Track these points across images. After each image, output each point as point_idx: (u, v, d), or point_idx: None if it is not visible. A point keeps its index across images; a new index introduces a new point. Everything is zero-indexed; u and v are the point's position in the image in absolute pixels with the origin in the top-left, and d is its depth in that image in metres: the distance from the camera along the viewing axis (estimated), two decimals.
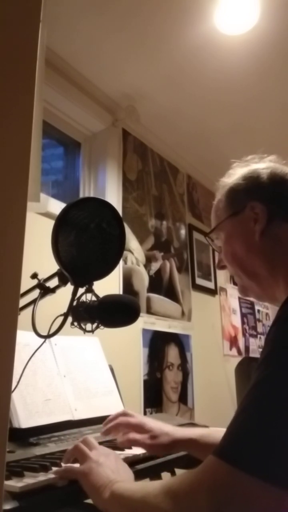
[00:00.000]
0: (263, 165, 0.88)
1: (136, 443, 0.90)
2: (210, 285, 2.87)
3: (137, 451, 0.93)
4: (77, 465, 0.78)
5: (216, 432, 0.88)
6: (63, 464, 0.80)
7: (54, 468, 0.77)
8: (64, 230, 0.80)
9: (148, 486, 0.64)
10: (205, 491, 0.55)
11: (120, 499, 0.66)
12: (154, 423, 0.94)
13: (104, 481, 0.70)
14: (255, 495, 0.53)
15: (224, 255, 0.90)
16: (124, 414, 0.97)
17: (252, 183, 0.86)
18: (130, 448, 0.94)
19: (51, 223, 0.80)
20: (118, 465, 0.78)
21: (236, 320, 3.14)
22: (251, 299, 1.05)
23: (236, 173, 0.90)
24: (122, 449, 0.93)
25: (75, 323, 0.85)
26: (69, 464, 0.79)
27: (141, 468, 0.88)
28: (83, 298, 0.85)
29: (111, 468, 0.75)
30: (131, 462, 0.86)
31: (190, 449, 0.92)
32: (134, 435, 0.91)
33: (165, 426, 0.94)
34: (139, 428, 0.93)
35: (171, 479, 0.63)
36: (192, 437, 0.91)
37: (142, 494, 0.63)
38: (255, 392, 0.59)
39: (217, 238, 0.93)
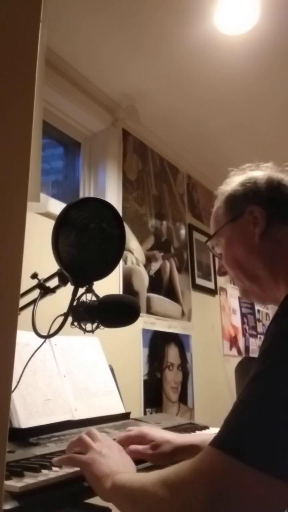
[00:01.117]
0: (259, 172, 0.91)
1: (138, 454, 0.89)
2: (210, 285, 2.87)
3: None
4: (81, 455, 0.78)
5: None
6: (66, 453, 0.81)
7: (55, 469, 0.77)
8: (64, 230, 0.81)
9: (147, 475, 0.65)
10: (201, 480, 0.56)
11: (120, 489, 0.67)
12: (155, 432, 0.93)
13: (106, 471, 0.71)
14: (252, 485, 0.53)
15: (225, 260, 0.92)
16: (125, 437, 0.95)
17: (250, 188, 0.88)
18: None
19: (51, 223, 0.80)
20: (121, 456, 0.79)
21: (236, 320, 3.14)
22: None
23: (233, 181, 0.93)
24: None
25: (75, 323, 0.85)
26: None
27: (143, 468, 0.88)
28: (83, 298, 0.85)
29: (114, 459, 0.76)
30: (134, 461, 0.86)
31: (192, 455, 0.91)
32: (135, 446, 0.90)
33: (166, 434, 0.93)
34: (141, 439, 0.92)
35: (169, 468, 0.63)
36: (194, 443, 0.91)
37: (141, 483, 0.64)
38: (253, 384, 0.59)
39: (217, 245, 0.95)
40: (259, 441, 0.54)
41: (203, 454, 0.59)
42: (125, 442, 0.92)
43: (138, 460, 0.89)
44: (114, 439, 0.93)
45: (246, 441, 0.55)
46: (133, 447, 0.90)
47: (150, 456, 0.89)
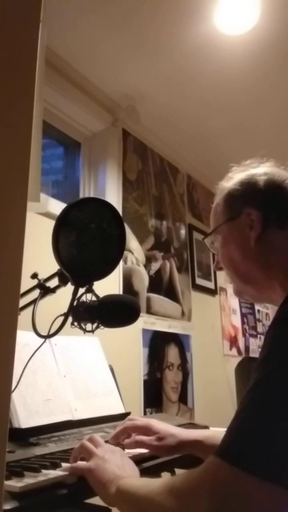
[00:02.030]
0: (261, 170, 0.89)
1: (143, 444, 0.91)
2: (210, 285, 2.87)
3: (143, 450, 0.93)
4: (84, 462, 0.79)
5: (221, 434, 0.89)
6: (70, 463, 0.81)
7: (53, 470, 0.77)
8: (64, 230, 0.81)
9: (153, 483, 0.66)
10: (206, 490, 0.56)
11: (125, 495, 0.67)
12: (160, 425, 0.95)
13: (110, 477, 0.72)
14: (255, 494, 0.53)
15: (221, 258, 0.92)
16: (130, 419, 0.99)
17: (248, 189, 0.87)
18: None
19: (51, 223, 0.80)
20: (124, 461, 0.79)
21: (236, 320, 3.14)
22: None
23: (234, 178, 0.91)
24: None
25: (75, 323, 0.85)
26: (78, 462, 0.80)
27: (145, 467, 0.89)
28: (83, 298, 0.85)
29: (117, 464, 0.76)
30: (137, 460, 0.87)
31: (195, 450, 0.92)
32: (140, 437, 0.92)
33: (171, 428, 0.95)
34: (146, 430, 0.94)
35: (174, 477, 0.65)
36: (198, 439, 0.92)
37: (146, 491, 0.64)
38: (254, 392, 0.59)
39: (215, 241, 0.94)
40: (261, 449, 0.54)
41: (207, 464, 0.59)
42: (130, 431, 0.93)
43: (140, 460, 0.89)
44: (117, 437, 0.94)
45: (249, 450, 0.55)
46: (139, 437, 0.92)
47: (155, 448, 0.90)
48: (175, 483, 0.62)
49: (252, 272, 0.85)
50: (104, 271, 0.86)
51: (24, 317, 0.76)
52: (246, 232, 0.84)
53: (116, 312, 0.85)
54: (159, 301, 2.29)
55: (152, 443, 0.90)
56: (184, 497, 0.59)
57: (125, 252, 2.09)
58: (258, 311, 3.50)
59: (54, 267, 0.84)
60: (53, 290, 0.89)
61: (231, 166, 0.94)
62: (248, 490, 0.53)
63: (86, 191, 2.15)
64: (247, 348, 3.17)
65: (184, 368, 2.37)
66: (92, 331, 0.84)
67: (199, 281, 2.73)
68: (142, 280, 2.18)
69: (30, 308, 0.85)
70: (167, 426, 0.95)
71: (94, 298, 0.84)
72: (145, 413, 1.98)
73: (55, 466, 0.78)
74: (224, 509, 0.54)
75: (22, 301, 0.85)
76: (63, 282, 0.86)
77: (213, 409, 2.45)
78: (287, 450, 0.54)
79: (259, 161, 0.92)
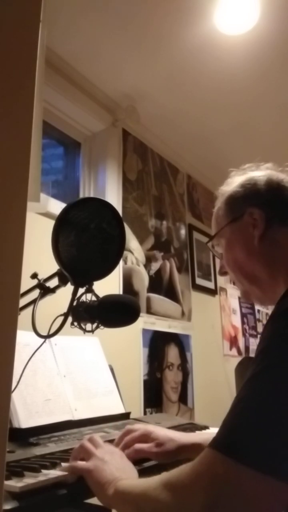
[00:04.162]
0: (260, 172, 0.91)
1: (143, 452, 0.90)
2: (210, 285, 2.87)
3: None
4: (83, 462, 0.79)
5: None
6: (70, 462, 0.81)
7: (53, 470, 0.77)
8: (64, 230, 0.81)
9: (148, 480, 0.66)
10: (201, 483, 0.56)
11: (122, 496, 0.67)
12: (159, 430, 0.94)
13: (109, 478, 0.72)
14: (251, 486, 0.53)
15: (226, 261, 0.92)
16: (127, 432, 0.95)
17: (249, 190, 0.88)
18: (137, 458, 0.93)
19: (51, 223, 0.80)
20: (123, 463, 0.79)
21: (236, 320, 3.14)
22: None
23: (234, 181, 0.93)
24: None
25: (75, 323, 0.85)
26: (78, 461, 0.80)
27: (145, 467, 0.89)
28: (83, 298, 0.85)
29: (116, 466, 0.76)
30: (137, 461, 0.87)
31: (195, 454, 0.91)
32: (140, 445, 0.91)
33: (170, 433, 0.94)
34: (145, 437, 0.93)
35: (170, 472, 0.64)
36: (197, 442, 0.92)
37: (143, 488, 0.64)
38: (251, 385, 0.59)
39: (218, 245, 0.95)
40: (256, 441, 0.54)
41: (202, 456, 0.59)
42: (131, 443, 0.92)
43: (141, 459, 0.89)
44: (115, 443, 0.93)
45: (244, 442, 0.55)
46: (138, 445, 0.91)
47: (155, 454, 0.90)
48: (171, 478, 0.61)
49: (257, 271, 0.85)
50: (104, 271, 0.86)
51: (24, 317, 0.76)
52: (250, 232, 0.85)
53: (116, 312, 0.85)
54: (159, 301, 2.29)
55: (152, 450, 0.90)
56: (180, 490, 0.59)
57: (125, 252, 2.09)
58: (258, 311, 3.50)
59: (54, 267, 0.84)
60: (53, 290, 0.89)
61: (230, 170, 0.96)
62: (244, 482, 0.53)
63: (86, 191, 2.15)
64: (247, 348, 3.17)
65: (184, 368, 2.37)
66: (92, 331, 0.84)
67: (199, 281, 2.73)
68: (142, 280, 2.18)
69: (30, 308, 0.85)
70: (165, 431, 0.94)
71: (94, 298, 0.84)
72: (145, 413, 1.98)
73: (55, 466, 0.78)
74: (220, 501, 0.54)
75: (22, 301, 0.85)
76: (63, 282, 0.86)
77: (213, 409, 2.45)
78: (282, 441, 0.54)
79: (257, 165, 0.94)
